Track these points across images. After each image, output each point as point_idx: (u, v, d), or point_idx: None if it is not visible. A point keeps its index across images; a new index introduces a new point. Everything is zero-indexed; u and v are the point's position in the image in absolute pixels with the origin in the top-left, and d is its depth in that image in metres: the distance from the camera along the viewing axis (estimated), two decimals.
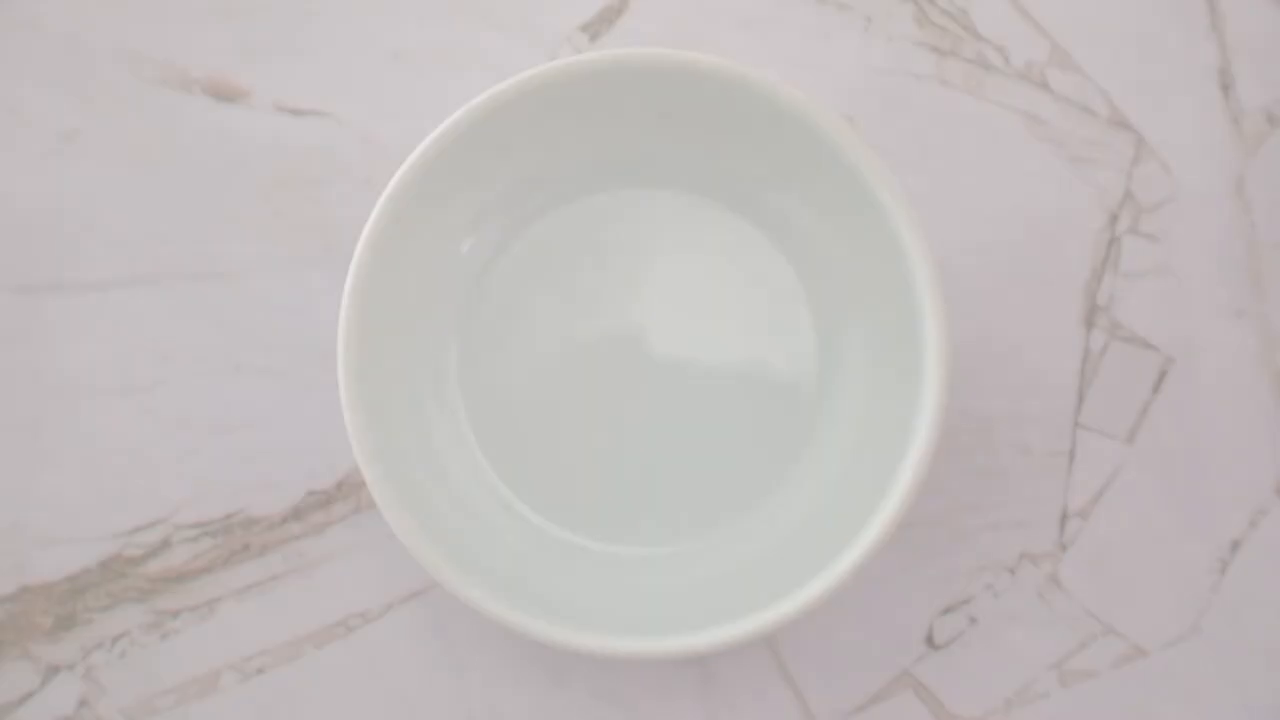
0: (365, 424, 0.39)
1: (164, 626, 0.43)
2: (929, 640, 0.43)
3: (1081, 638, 0.43)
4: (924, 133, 0.44)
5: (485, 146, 0.40)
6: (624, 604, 0.40)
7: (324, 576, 0.43)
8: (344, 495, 0.43)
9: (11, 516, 0.43)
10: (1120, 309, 0.44)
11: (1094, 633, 0.43)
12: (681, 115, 0.41)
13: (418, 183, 0.39)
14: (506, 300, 0.43)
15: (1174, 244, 0.44)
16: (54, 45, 0.44)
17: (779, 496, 0.42)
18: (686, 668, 0.43)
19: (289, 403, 0.44)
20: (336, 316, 0.42)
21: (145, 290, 0.44)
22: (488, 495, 0.42)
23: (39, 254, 0.44)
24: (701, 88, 0.39)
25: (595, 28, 0.45)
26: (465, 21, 0.45)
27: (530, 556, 0.41)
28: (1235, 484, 0.44)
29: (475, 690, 0.43)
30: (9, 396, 0.43)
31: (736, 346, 0.43)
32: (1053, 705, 0.43)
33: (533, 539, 0.42)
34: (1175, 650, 0.43)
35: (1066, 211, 0.44)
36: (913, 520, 0.43)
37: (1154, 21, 0.44)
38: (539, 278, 0.43)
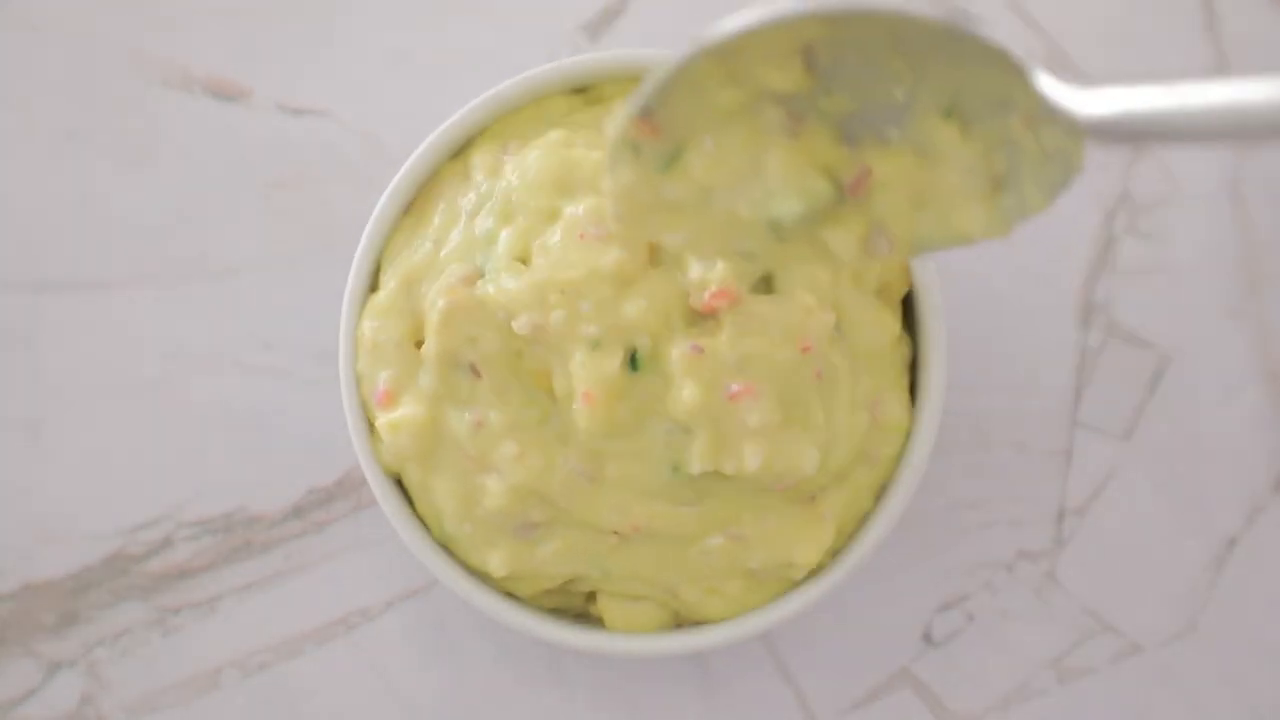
0: (365, 421, 0.39)
1: (166, 623, 0.43)
2: (927, 638, 0.43)
3: (1079, 635, 0.43)
4: None
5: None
6: None
7: (325, 574, 0.43)
8: (345, 493, 0.44)
9: (14, 514, 0.43)
10: (1117, 308, 0.44)
11: (1091, 630, 0.43)
12: None
13: (418, 183, 0.39)
14: None
15: (1171, 243, 0.44)
16: (54, 45, 0.44)
17: None
18: (686, 666, 0.43)
19: (289, 402, 0.44)
20: (336, 316, 0.42)
21: (145, 290, 0.44)
22: None
23: (39, 254, 0.44)
24: None
25: (595, 28, 0.44)
26: (465, 21, 0.45)
27: None
28: (1232, 481, 0.44)
29: (475, 688, 0.43)
30: (9, 396, 0.44)
31: None
32: (1050, 702, 0.43)
33: None
34: (1172, 647, 0.43)
35: (1064, 210, 0.44)
36: (911, 518, 0.43)
37: (1151, 21, 0.44)
38: None
